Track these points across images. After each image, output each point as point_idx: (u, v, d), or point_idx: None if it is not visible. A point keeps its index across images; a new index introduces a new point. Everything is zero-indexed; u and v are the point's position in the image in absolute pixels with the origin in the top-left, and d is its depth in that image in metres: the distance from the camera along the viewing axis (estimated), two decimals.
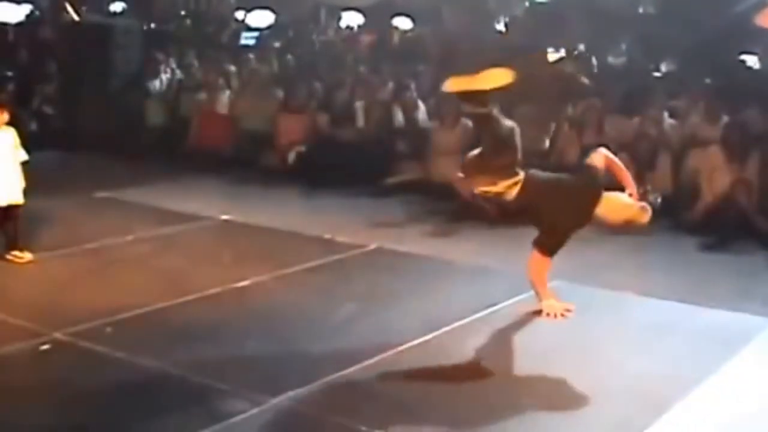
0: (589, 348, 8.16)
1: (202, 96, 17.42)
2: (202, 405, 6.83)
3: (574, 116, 14.17)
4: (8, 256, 10.13)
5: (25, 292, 9.45)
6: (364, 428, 6.41)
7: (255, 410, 6.70)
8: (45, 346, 7.85)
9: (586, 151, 12.83)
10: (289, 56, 18.84)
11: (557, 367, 7.68)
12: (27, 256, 10.15)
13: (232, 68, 18.48)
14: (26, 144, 12.92)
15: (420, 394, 7.13)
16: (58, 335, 8.05)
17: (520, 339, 8.32)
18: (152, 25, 21.15)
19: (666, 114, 14.05)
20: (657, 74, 16.11)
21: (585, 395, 7.14)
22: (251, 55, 19.22)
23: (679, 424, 6.77)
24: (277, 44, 19.99)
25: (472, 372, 7.58)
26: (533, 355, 7.95)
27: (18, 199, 10.18)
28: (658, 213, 12.23)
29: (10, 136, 10.29)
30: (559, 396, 7.16)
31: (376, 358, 7.67)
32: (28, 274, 9.92)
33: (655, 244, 11.54)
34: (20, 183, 10.23)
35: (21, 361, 7.65)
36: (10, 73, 18.58)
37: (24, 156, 10.32)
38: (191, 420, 6.53)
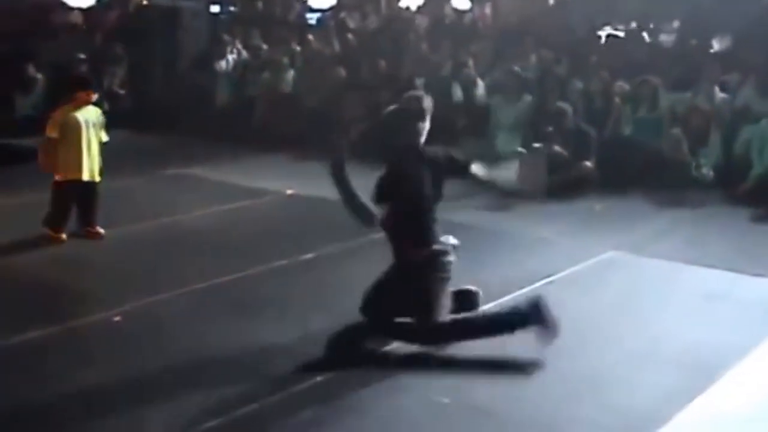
0: (643, 316, 8.36)
1: (267, 76, 17.68)
2: (266, 374, 7.08)
3: (628, 92, 14.26)
4: (83, 231, 10.50)
5: (100, 265, 9.79)
6: (446, 400, 6.64)
7: (319, 378, 6.97)
8: (117, 318, 8.17)
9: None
10: (351, 36, 19.01)
11: (611, 335, 7.92)
12: (100, 231, 10.52)
13: (296, 48, 18.68)
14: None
15: (481, 360, 7.35)
16: (129, 307, 8.39)
17: (576, 308, 8.44)
18: (218, 7, 21.39)
19: (717, 89, 14.15)
20: (710, 50, 16.08)
21: (638, 363, 7.34)
22: (314, 35, 19.41)
23: (730, 391, 6.91)
24: (339, 23, 20.12)
25: (529, 340, 7.66)
26: (588, 323, 8.15)
27: (96, 176, 10.54)
28: (710, 185, 12.52)
29: (97, 115, 10.63)
30: (612, 363, 7.35)
31: None
32: (102, 248, 10.27)
33: (707, 215, 11.77)
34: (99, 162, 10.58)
35: (96, 332, 7.93)
36: (82, 56, 18.89)
37: (105, 137, 10.67)
38: (257, 389, 6.78)
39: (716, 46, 16.07)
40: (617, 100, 14.36)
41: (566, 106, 13.49)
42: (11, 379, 6.96)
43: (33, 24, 20.46)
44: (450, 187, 12.81)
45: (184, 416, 6.36)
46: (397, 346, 7.53)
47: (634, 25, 17.56)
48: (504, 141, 14.41)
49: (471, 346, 7.50)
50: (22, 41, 19.28)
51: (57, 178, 10.42)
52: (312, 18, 21.19)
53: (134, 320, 8.17)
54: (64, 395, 6.70)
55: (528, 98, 14.82)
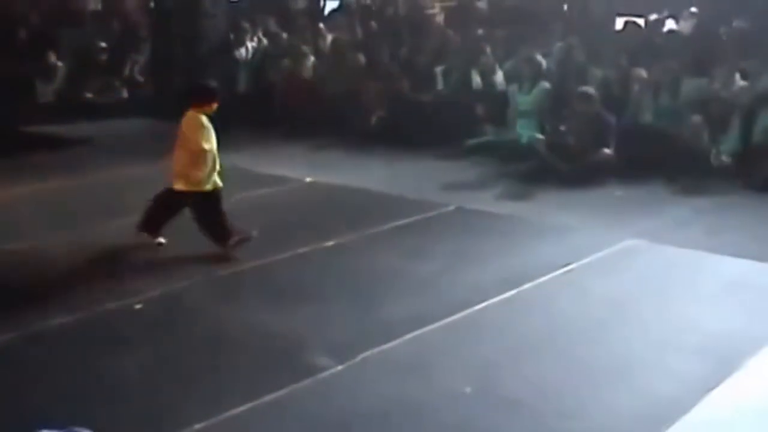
0: (664, 305, 8.40)
1: (287, 63, 17.71)
2: (289, 361, 7.15)
3: (648, 79, 14.25)
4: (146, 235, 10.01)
5: (123, 253, 9.80)
6: (468, 389, 6.68)
7: (340, 367, 7.02)
8: (138, 305, 8.26)
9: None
10: (372, 22, 19.03)
11: (634, 323, 7.98)
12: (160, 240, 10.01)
13: (316, 34, 18.70)
14: (118, 111, 13.19)
15: (504, 348, 7.43)
16: (152, 294, 8.49)
17: (597, 296, 8.56)
18: None
19: (738, 75, 14.10)
20: (727, 36, 16.06)
21: (660, 350, 7.40)
22: (334, 22, 19.43)
23: (752, 378, 6.97)
24: (359, 10, 20.14)
25: (552, 326, 7.85)
26: (611, 310, 8.23)
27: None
28: (730, 173, 12.52)
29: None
30: (634, 351, 7.40)
31: (460, 314, 8.00)
32: (126, 235, 10.12)
33: (727, 203, 11.75)
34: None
35: (120, 319, 8.01)
36: (103, 44, 18.96)
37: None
38: (280, 375, 6.86)
39: (735, 29, 16.01)
40: (636, 87, 14.34)
41: (591, 90, 13.47)
42: (40, 365, 7.04)
43: (54, 11, 20.56)
44: (469, 174, 13.08)
45: (211, 402, 6.42)
46: (420, 333, 7.59)
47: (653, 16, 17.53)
48: (522, 128, 14.43)
49: (494, 334, 7.57)
50: (43, 28, 19.36)
51: (202, 189, 9.81)
52: (333, 4, 21.19)
53: (158, 307, 8.27)
54: (93, 381, 6.78)
55: (546, 85, 14.81)
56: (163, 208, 9.89)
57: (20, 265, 9.34)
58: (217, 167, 9.78)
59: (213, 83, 10.57)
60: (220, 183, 9.81)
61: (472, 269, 9.24)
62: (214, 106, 9.91)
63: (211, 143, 9.71)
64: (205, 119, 9.76)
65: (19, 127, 15.97)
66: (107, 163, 13.64)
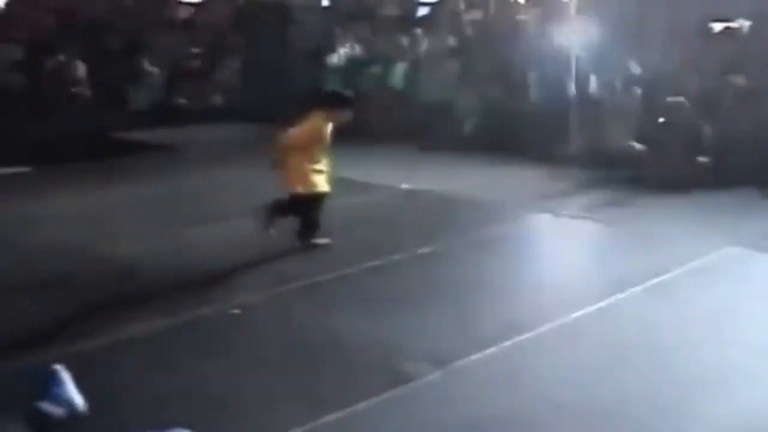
0: (763, 313, 8.27)
1: (378, 69, 17.73)
2: (384, 368, 7.12)
3: (745, 87, 14.05)
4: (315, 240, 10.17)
5: (214, 259, 9.79)
6: (546, 394, 6.65)
7: (435, 375, 6.98)
8: (235, 311, 8.31)
9: None
10: (468, 29, 18.94)
11: (732, 332, 7.85)
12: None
13: (408, 41, 18.68)
14: (211, 117, 13.22)
15: (600, 358, 7.34)
16: (250, 299, 8.55)
17: (695, 304, 8.47)
18: (329, 1, 21.49)
19: None
20: None
21: (759, 360, 7.27)
22: (425, 29, 19.40)
23: None
24: (452, 15, 20.05)
25: (649, 335, 7.74)
26: (709, 319, 8.12)
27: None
28: None
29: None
30: (732, 360, 7.28)
31: (556, 323, 7.93)
32: (214, 242, 10.33)
33: None
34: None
35: (217, 324, 8.05)
36: (195, 50, 19.17)
37: None
38: (374, 382, 6.84)
39: None
40: (731, 94, 14.16)
41: (682, 100, 13.35)
42: (137, 369, 7.10)
43: (146, 19, 20.80)
44: (564, 181, 13.00)
45: (307, 408, 6.42)
46: (515, 341, 7.54)
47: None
48: (616, 135, 14.32)
49: (590, 344, 7.50)
50: (136, 36, 19.60)
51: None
52: (424, 11, 21.12)
53: (255, 313, 8.32)
54: (190, 386, 6.83)
55: (638, 92, 14.68)
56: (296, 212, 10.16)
57: (115, 270, 9.43)
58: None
59: (348, 94, 10.73)
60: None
61: (566, 278, 9.22)
62: (343, 115, 10.19)
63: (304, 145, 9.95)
64: (322, 123, 10.06)
65: (112, 133, 16.20)
66: (199, 168, 13.80)
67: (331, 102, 10.17)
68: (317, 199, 10.07)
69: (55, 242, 10.24)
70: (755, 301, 8.58)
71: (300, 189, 10.00)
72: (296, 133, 10.06)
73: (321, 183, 10.06)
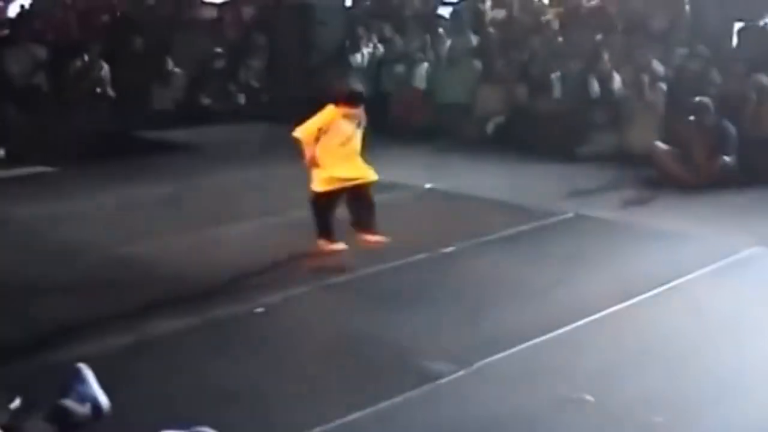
0: None
1: (402, 69, 17.73)
2: (404, 368, 7.12)
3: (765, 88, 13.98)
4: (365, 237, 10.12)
5: (233, 258, 9.77)
6: (589, 398, 6.60)
7: (456, 375, 6.97)
8: (259, 309, 8.32)
9: None
10: (491, 28, 18.92)
11: (752, 332, 7.81)
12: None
13: (431, 41, 18.66)
14: (234, 117, 13.14)
15: (618, 360, 7.32)
16: (273, 298, 8.54)
17: (720, 304, 8.43)
18: (352, 1, 21.48)
19: None
20: None
21: None
22: (448, 28, 19.38)
23: None
24: (475, 15, 20.04)
25: (669, 337, 7.71)
26: (733, 320, 8.07)
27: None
28: None
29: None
30: (756, 363, 7.25)
31: (577, 324, 7.90)
32: (231, 241, 10.34)
33: None
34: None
35: (238, 324, 8.05)
36: (219, 50, 19.18)
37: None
38: (395, 382, 6.84)
39: None
40: (753, 95, 14.09)
41: (707, 101, 13.29)
42: (161, 368, 7.12)
43: (170, 19, 20.83)
44: (587, 181, 12.97)
45: (328, 407, 6.43)
46: (535, 342, 7.52)
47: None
48: (639, 136, 14.28)
49: (610, 345, 7.48)
50: (160, 36, 19.63)
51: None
52: (447, 11, 21.10)
53: (278, 312, 8.32)
54: (212, 384, 6.83)
55: (663, 91, 14.64)
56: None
57: (139, 268, 9.46)
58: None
59: (358, 88, 10.69)
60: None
61: (589, 278, 9.16)
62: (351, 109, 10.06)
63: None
64: (333, 114, 9.94)
65: (136, 132, 16.23)
66: (222, 167, 13.82)
67: (340, 96, 10.10)
68: (324, 198, 9.95)
69: (79, 241, 10.26)
70: None
71: (314, 186, 9.95)
72: (304, 125, 9.96)
73: (328, 182, 9.91)
